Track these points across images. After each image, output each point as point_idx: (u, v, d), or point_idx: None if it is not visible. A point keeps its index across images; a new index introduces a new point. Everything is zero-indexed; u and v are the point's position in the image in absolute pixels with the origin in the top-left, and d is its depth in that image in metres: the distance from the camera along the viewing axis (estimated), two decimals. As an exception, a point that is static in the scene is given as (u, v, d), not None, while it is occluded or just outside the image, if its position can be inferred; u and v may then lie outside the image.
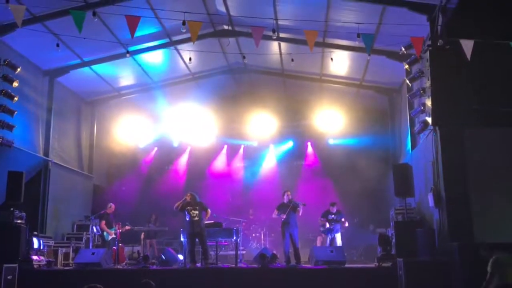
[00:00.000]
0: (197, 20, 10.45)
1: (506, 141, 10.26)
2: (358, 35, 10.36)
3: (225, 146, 18.78)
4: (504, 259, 7.16)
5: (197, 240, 11.67)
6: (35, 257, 11.56)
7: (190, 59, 12.97)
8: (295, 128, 18.08)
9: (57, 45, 11.54)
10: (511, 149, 10.20)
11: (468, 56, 9.31)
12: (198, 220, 11.57)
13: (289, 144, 18.55)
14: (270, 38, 11.54)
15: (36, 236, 12.26)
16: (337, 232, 13.70)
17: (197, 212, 11.57)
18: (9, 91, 11.92)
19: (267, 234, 15.53)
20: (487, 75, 10.02)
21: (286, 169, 17.96)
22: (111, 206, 13.98)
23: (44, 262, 11.82)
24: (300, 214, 12.37)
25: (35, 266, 11.27)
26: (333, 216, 13.70)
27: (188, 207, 11.63)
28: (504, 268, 7.05)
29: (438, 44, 10.03)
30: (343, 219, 13.72)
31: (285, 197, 12.50)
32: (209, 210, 12.01)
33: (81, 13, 9.73)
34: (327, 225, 13.64)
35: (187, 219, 11.61)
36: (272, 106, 17.69)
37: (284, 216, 12.19)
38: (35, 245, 11.94)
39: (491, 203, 9.86)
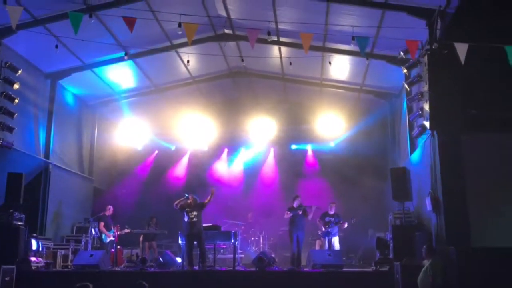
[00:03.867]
0: (197, 23, 10.50)
1: (504, 146, 10.25)
2: (353, 38, 10.41)
3: (225, 150, 18.81)
4: (438, 261, 8.74)
5: (195, 242, 11.68)
6: (33, 259, 11.61)
7: (188, 61, 13.02)
8: (295, 132, 18.07)
9: (56, 46, 11.60)
10: (508, 154, 10.20)
11: (462, 59, 9.33)
12: (196, 222, 11.58)
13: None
14: (269, 41, 11.56)
15: (35, 237, 12.30)
16: (334, 235, 13.62)
17: (196, 213, 11.59)
18: (10, 93, 12.02)
19: (266, 237, 15.50)
20: (485, 80, 10.03)
21: (285, 173, 17.91)
22: (110, 209, 14.01)
23: (42, 264, 11.85)
24: (310, 218, 12.71)
25: (33, 268, 11.29)
26: (330, 218, 13.68)
27: (188, 208, 11.66)
28: (438, 269, 8.59)
29: (433, 47, 10.04)
30: (341, 222, 13.69)
31: (295, 202, 12.74)
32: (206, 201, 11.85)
33: (78, 15, 9.82)
34: (323, 228, 13.62)
35: (186, 219, 11.61)
36: (273, 110, 17.76)
37: (293, 214, 12.47)
38: (34, 247, 11.98)
39: (488, 207, 9.84)
